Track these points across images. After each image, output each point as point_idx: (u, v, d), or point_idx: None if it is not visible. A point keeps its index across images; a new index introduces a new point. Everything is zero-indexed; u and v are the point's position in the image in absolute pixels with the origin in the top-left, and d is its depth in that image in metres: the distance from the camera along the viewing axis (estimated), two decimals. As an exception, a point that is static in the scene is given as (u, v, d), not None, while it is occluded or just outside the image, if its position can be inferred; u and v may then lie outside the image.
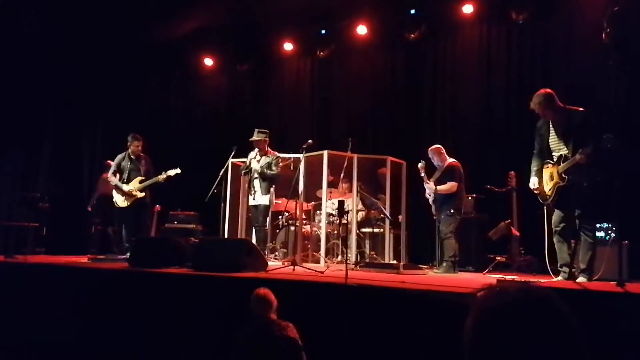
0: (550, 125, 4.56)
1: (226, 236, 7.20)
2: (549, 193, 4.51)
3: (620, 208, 4.41)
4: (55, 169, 9.76)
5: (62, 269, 5.84)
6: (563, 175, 4.38)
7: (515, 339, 1.02)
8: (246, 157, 6.92)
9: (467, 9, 7.70)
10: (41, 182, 9.63)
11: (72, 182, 9.64)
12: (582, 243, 4.32)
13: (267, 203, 6.63)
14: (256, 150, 6.78)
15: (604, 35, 3.83)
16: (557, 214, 4.51)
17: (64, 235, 8.63)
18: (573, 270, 4.34)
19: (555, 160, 4.51)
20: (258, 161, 6.74)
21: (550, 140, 4.56)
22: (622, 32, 3.88)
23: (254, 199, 6.72)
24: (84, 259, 6.64)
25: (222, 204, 6.51)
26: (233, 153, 6.92)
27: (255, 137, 6.74)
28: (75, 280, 5.41)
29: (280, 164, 6.82)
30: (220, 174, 6.64)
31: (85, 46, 9.26)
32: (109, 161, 7.55)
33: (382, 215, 6.97)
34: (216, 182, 6.61)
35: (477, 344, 1.07)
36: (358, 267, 5.99)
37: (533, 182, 4.70)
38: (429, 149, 6.35)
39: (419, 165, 6.31)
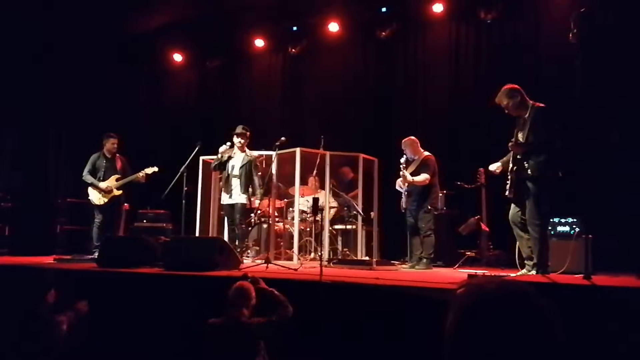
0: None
1: (197, 234, 7.09)
2: (507, 187, 4.61)
3: (585, 203, 4.52)
4: (18, 166, 9.41)
5: (25, 270, 5.64)
6: (511, 168, 4.51)
7: (496, 334, 1.03)
8: (213, 153, 6.77)
9: (437, 7, 7.80)
10: (2, 180, 9.27)
11: (37, 179, 9.32)
12: (531, 238, 4.41)
13: (245, 202, 6.54)
14: (229, 144, 6.66)
15: (570, 35, 3.91)
16: (512, 209, 4.61)
17: (28, 235, 8.34)
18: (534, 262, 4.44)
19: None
20: (231, 157, 6.61)
21: (516, 135, 4.66)
22: (587, 33, 3.97)
23: (230, 197, 6.59)
24: (49, 260, 6.44)
25: (183, 202, 6.35)
26: (197, 149, 6.63)
27: (240, 130, 6.65)
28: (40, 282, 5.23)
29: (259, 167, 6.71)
30: (181, 170, 6.41)
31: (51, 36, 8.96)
32: None
33: (354, 212, 6.99)
34: (175, 178, 6.42)
35: (459, 340, 1.08)
36: (331, 264, 5.99)
37: (494, 165, 4.79)
38: (403, 140, 6.17)
39: (402, 159, 6.11)
